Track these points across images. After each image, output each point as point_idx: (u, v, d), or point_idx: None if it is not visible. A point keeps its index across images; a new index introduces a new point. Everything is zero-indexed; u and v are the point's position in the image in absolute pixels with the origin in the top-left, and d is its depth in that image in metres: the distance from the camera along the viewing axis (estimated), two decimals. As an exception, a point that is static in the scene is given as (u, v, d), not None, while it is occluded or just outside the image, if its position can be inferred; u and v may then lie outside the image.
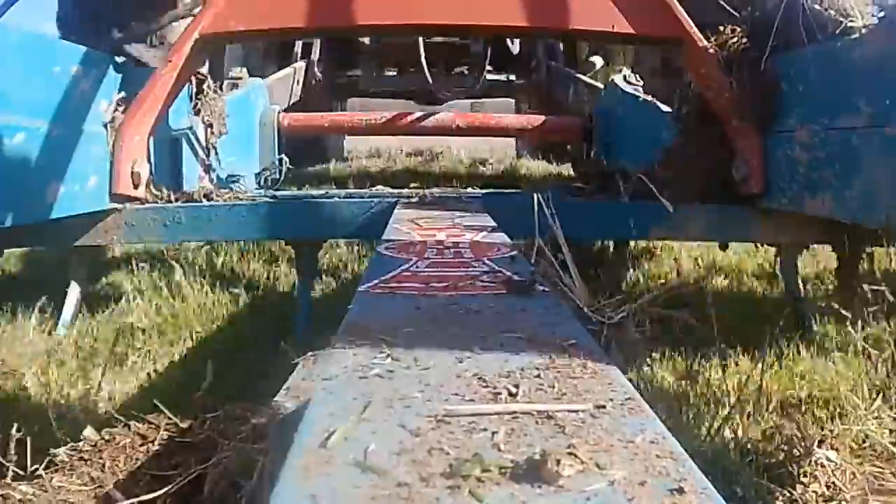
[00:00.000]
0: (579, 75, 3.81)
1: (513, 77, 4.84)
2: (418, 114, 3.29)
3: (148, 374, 1.78)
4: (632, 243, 2.79)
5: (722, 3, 2.06)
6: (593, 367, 0.63)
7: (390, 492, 0.42)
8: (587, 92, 3.53)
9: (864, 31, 1.61)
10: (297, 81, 3.74)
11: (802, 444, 1.19)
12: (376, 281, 0.99)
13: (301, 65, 3.83)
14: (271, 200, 2.19)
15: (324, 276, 2.79)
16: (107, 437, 0.99)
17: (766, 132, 1.93)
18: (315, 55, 3.95)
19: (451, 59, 4.30)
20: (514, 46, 4.43)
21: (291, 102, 3.66)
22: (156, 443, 0.96)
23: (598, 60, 3.69)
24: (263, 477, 0.70)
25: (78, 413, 1.34)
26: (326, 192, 2.78)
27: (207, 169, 2.49)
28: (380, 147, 6.07)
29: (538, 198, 1.88)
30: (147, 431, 0.99)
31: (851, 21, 1.64)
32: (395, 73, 4.58)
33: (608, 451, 0.47)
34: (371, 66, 4.46)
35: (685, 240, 2.56)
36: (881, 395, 1.43)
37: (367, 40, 4.24)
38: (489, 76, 4.48)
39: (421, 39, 3.76)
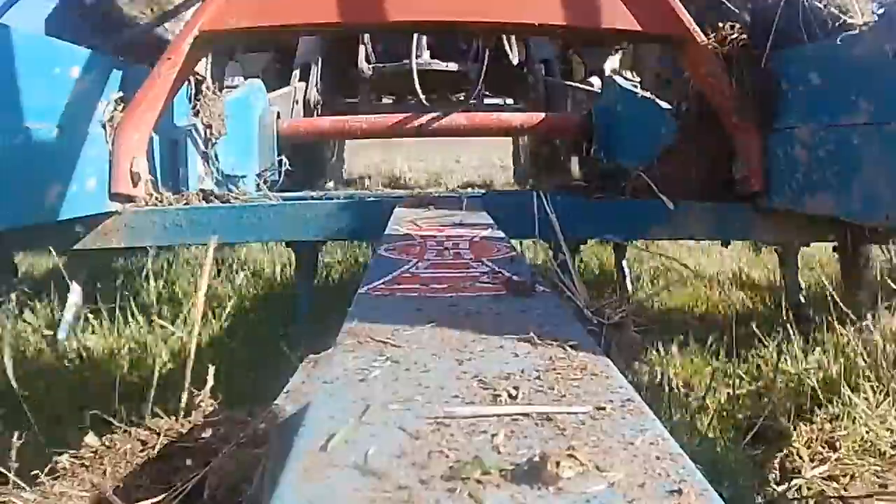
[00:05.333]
0: (577, 84, 3.78)
1: (510, 100, 4.81)
2: (419, 115, 3.28)
3: (148, 378, 1.77)
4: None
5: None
6: (593, 369, 0.63)
7: (390, 494, 0.42)
8: (586, 99, 3.51)
9: (863, 27, 1.60)
10: (297, 101, 3.74)
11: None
12: (376, 283, 0.98)
13: (301, 85, 3.83)
14: (271, 202, 2.18)
15: (324, 278, 2.79)
16: (107, 443, 0.99)
17: (766, 130, 1.92)
18: (313, 80, 3.92)
19: (448, 86, 4.25)
20: (514, 56, 4.35)
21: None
22: (156, 448, 0.96)
23: (596, 81, 3.66)
24: (264, 480, 0.70)
25: (78, 418, 1.34)
26: (326, 194, 2.78)
27: (207, 170, 2.49)
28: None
29: (538, 197, 1.88)
30: (148, 437, 0.99)
31: (851, 18, 1.64)
32: (392, 100, 4.56)
33: (608, 453, 0.47)
34: (368, 94, 4.43)
35: (685, 238, 2.55)
36: (884, 393, 1.43)
37: (364, 68, 4.17)
38: (487, 100, 4.46)
39: (415, 69, 3.70)
